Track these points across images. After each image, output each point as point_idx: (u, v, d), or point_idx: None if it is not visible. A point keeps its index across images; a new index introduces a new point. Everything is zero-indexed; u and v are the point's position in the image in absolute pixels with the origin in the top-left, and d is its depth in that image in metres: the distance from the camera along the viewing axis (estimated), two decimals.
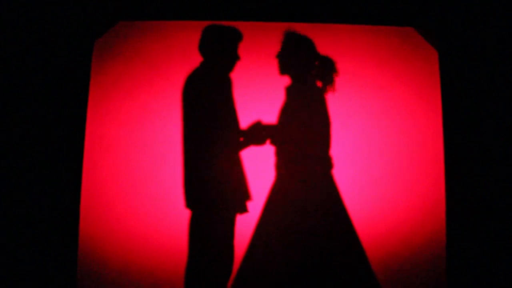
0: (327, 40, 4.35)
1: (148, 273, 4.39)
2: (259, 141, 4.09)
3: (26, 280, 4.07)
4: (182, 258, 4.10)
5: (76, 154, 4.19)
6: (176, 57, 4.50)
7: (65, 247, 4.11)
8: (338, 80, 4.22)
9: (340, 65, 4.24)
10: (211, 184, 3.96)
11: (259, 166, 4.18)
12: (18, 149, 4.14)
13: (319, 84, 4.17)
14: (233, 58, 4.10)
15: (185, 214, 4.08)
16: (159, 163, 4.47)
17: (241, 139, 4.07)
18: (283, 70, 4.16)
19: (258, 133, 4.07)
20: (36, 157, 4.14)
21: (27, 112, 4.16)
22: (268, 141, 4.11)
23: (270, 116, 4.15)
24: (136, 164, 4.47)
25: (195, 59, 4.16)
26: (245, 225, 4.10)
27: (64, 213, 4.12)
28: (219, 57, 4.08)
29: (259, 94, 4.40)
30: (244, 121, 4.12)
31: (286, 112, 4.13)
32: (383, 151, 4.48)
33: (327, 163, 4.11)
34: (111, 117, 4.48)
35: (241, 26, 4.16)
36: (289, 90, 4.16)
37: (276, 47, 4.19)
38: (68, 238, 4.12)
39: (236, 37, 4.11)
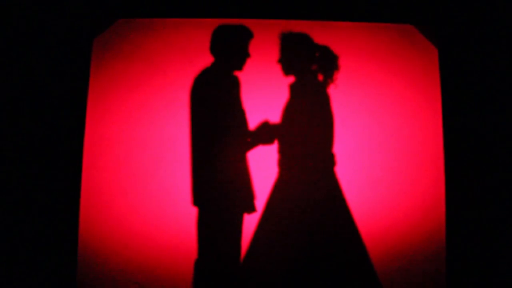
0: (326, 37, 4.34)
1: (149, 272, 4.38)
2: (267, 141, 4.13)
3: (26, 279, 4.07)
4: (183, 256, 4.12)
5: (75, 152, 4.19)
6: (176, 55, 4.49)
7: (65, 246, 4.11)
8: (338, 78, 4.23)
9: (340, 62, 4.24)
10: (219, 183, 4.00)
11: (262, 164, 4.18)
12: (17, 148, 4.14)
13: (320, 78, 4.19)
14: (243, 56, 4.16)
15: (186, 212, 4.08)
16: (159, 161, 4.46)
17: (249, 139, 4.12)
18: (287, 71, 4.19)
19: (266, 133, 4.10)
20: (36, 156, 4.14)
21: (27, 111, 4.16)
22: (276, 141, 4.14)
23: (275, 113, 4.16)
24: (136, 162, 4.46)
25: (195, 57, 4.17)
26: (249, 223, 4.11)
27: (64, 212, 4.13)
28: (230, 56, 4.14)
29: (264, 92, 4.40)
30: (252, 119, 4.14)
31: (289, 110, 4.15)
32: (383, 149, 4.47)
33: (330, 161, 4.12)
34: (110, 115, 4.47)
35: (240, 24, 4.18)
36: (292, 88, 4.18)
37: (275, 45, 4.21)
38: (68, 237, 4.13)
39: (247, 35, 4.16)
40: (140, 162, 4.46)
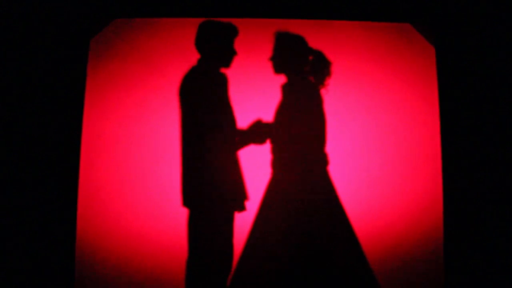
0: (323, 36, 4.34)
1: (147, 271, 4.39)
2: (259, 141, 4.11)
3: (24, 279, 4.07)
4: (181, 256, 4.11)
5: (73, 152, 4.19)
6: (173, 54, 4.50)
7: (62, 246, 4.11)
8: (334, 77, 4.22)
9: (337, 61, 4.24)
10: (208, 182, 3.98)
11: (256, 164, 4.17)
12: (15, 148, 4.14)
13: (313, 79, 4.18)
14: (230, 53, 4.12)
15: (183, 212, 4.08)
16: (156, 161, 4.47)
17: (238, 138, 4.10)
18: (278, 70, 4.18)
19: (258, 132, 4.09)
20: (33, 156, 4.14)
21: (24, 112, 4.16)
22: (268, 141, 4.13)
23: (268, 113, 4.15)
24: (133, 162, 4.47)
25: (192, 56, 4.16)
26: (244, 223, 4.10)
27: (62, 212, 4.13)
28: (216, 53, 4.10)
29: (257, 91, 4.40)
30: (242, 119, 4.12)
31: (282, 110, 4.14)
32: (380, 148, 4.47)
33: (323, 160, 4.11)
34: (107, 115, 4.48)
35: (237, 23, 4.16)
36: (285, 88, 4.17)
37: (271, 44, 4.20)
38: (66, 237, 4.12)
39: (232, 32, 4.13)
40: (138, 161, 4.46)
